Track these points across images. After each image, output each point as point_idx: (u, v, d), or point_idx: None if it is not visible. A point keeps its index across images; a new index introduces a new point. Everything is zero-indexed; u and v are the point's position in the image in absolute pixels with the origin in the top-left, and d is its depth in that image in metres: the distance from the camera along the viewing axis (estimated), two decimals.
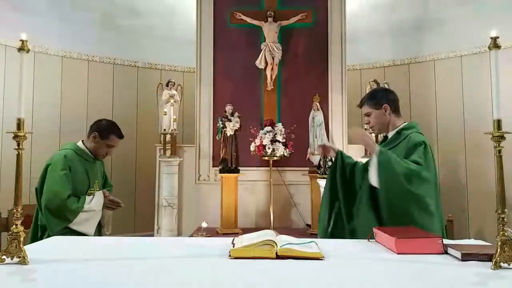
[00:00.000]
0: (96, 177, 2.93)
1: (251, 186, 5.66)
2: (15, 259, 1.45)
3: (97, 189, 2.90)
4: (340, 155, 2.52)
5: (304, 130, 5.46)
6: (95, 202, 2.79)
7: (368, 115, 2.50)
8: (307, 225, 5.44)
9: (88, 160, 2.88)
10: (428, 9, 6.35)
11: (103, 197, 2.86)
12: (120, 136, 2.93)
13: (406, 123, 2.48)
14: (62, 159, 2.73)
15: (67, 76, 6.16)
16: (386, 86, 5.93)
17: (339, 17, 5.86)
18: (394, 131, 2.44)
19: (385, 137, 2.52)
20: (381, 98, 2.47)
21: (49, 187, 2.67)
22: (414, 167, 2.18)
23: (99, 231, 2.92)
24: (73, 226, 2.68)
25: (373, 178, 2.23)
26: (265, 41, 5.67)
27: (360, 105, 2.57)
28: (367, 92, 5.95)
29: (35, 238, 2.64)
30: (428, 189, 2.18)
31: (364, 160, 2.55)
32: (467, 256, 1.50)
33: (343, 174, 2.47)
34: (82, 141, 2.94)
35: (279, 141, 5.25)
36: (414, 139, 2.29)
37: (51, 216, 2.62)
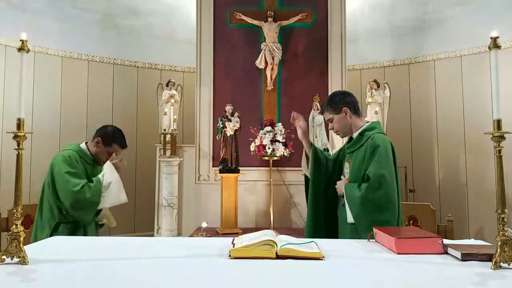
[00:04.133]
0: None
1: (251, 186, 5.66)
2: (15, 259, 1.45)
3: None
4: (313, 147, 2.60)
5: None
6: (107, 174, 2.78)
7: (330, 121, 2.54)
8: None
9: (89, 163, 2.87)
10: (428, 9, 6.35)
11: (110, 165, 2.83)
12: (123, 146, 2.91)
13: (368, 123, 2.51)
14: (67, 160, 2.72)
15: (67, 76, 6.16)
16: (387, 85, 5.96)
17: (339, 17, 5.86)
18: (357, 132, 2.47)
19: (350, 138, 2.55)
20: (339, 102, 2.49)
21: (63, 190, 2.66)
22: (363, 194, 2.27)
23: (96, 229, 2.90)
24: (103, 205, 2.72)
25: (349, 216, 2.36)
26: (265, 41, 5.67)
27: (321, 112, 2.61)
28: (367, 91, 6.00)
29: (38, 234, 2.64)
30: (382, 202, 2.25)
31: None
32: (467, 256, 1.50)
33: (318, 167, 2.57)
34: (86, 143, 2.92)
35: (279, 141, 5.25)
36: (374, 143, 2.33)
37: (80, 213, 2.67)
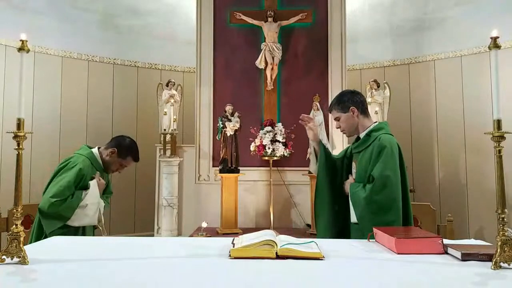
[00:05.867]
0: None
1: (251, 186, 5.66)
2: (15, 259, 1.45)
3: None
4: (322, 145, 2.61)
5: (304, 130, 5.40)
6: (90, 195, 2.74)
7: (337, 119, 2.53)
8: (307, 225, 5.44)
9: (99, 171, 2.85)
10: (428, 9, 6.35)
11: (97, 187, 2.79)
12: (137, 159, 2.93)
13: (375, 123, 2.51)
14: (77, 173, 2.69)
15: (67, 76, 6.16)
16: (387, 85, 5.96)
17: (339, 17, 5.86)
18: (364, 132, 2.47)
19: (358, 137, 2.54)
20: (347, 101, 2.48)
21: (53, 190, 2.64)
22: (367, 196, 2.27)
23: (92, 233, 2.87)
24: (72, 223, 2.66)
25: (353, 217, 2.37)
26: (265, 41, 5.67)
27: (329, 110, 2.62)
28: (367, 91, 6.00)
29: (39, 237, 2.63)
30: (386, 205, 2.25)
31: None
32: (467, 256, 1.50)
33: (326, 165, 2.57)
34: (99, 148, 2.90)
35: (279, 141, 5.25)
36: (380, 144, 2.33)
37: (45, 218, 2.62)
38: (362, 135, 2.48)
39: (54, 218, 2.62)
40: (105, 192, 3.04)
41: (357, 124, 2.48)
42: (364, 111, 2.49)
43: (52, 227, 2.62)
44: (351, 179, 2.49)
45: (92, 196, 2.75)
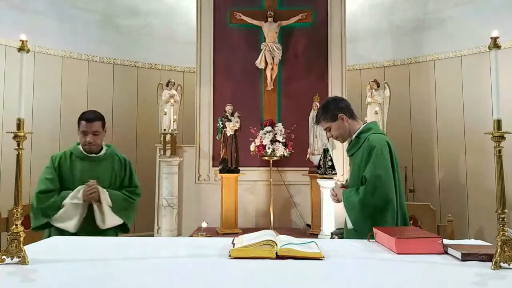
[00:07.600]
0: (95, 176, 2.79)
1: (251, 186, 5.66)
2: (15, 259, 1.45)
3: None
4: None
5: (304, 130, 5.46)
6: (71, 195, 2.67)
7: (328, 129, 2.53)
8: (307, 225, 5.44)
9: (84, 158, 2.80)
10: (428, 9, 6.35)
11: (80, 190, 2.69)
12: (87, 119, 2.79)
13: (364, 124, 2.51)
14: (50, 160, 2.78)
15: (67, 76, 6.16)
16: (387, 86, 5.96)
17: (339, 17, 5.86)
18: (354, 135, 2.48)
19: (351, 140, 2.56)
20: (334, 109, 2.48)
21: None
22: (360, 200, 2.26)
23: (94, 228, 2.74)
24: (54, 222, 2.64)
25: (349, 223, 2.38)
26: (265, 41, 5.67)
27: (317, 122, 2.61)
28: (367, 91, 6.00)
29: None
30: (380, 207, 2.24)
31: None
32: (467, 256, 1.50)
33: None
34: None
35: (279, 141, 5.25)
36: (369, 144, 2.34)
37: (32, 212, 2.67)
38: (352, 138, 2.49)
39: (40, 214, 2.65)
40: (131, 185, 3.17)
41: (348, 130, 2.49)
42: (352, 115, 2.50)
43: (37, 222, 2.65)
44: (337, 185, 2.52)
45: (71, 197, 2.66)
